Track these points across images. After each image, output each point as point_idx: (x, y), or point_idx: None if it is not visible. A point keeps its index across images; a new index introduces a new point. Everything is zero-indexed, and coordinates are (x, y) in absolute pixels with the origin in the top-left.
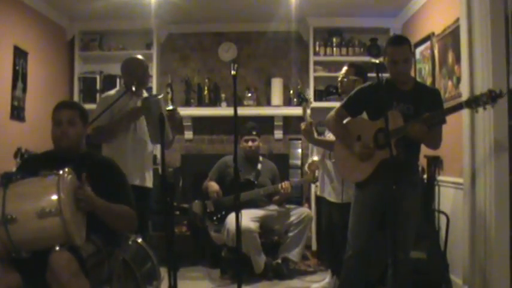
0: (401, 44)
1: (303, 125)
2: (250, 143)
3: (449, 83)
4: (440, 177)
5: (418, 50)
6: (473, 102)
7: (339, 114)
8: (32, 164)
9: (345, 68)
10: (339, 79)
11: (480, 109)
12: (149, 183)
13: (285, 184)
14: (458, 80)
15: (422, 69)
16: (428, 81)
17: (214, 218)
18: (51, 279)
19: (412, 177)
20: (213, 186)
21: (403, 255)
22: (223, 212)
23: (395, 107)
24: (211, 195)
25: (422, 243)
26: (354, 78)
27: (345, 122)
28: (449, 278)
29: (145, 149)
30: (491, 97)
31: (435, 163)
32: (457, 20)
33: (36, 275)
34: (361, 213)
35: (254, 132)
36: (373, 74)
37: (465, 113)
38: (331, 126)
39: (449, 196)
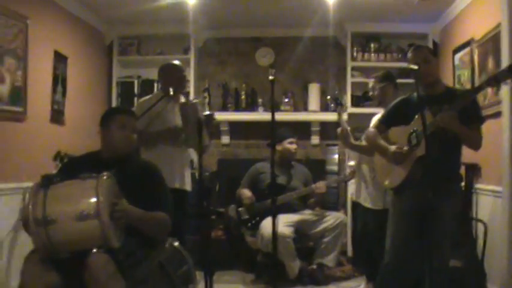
0: (418, 47)
1: (339, 130)
2: (294, 146)
3: (489, 89)
4: (478, 185)
5: (457, 56)
6: (494, 80)
7: (377, 129)
8: (73, 167)
9: (371, 82)
10: (370, 93)
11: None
12: (188, 186)
13: (319, 184)
14: (499, 86)
15: (461, 76)
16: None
17: (249, 224)
18: (89, 280)
19: (452, 185)
20: (246, 193)
21: (440, 263)
22: (258, 218)
23: (427, 109)
24: (245, 201)
25: (459, 251)
26: (381, 85)
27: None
28: (487, 287)
29: (184, 152)
30: (510, 71)
31: (473, 171)
32: (498, 25)
33: (75, 275)
34: (398, 220)
35: (296, 136)
36: (410, 80)
37: (504, 118)
38: (369, 140)
39: (487, 204)
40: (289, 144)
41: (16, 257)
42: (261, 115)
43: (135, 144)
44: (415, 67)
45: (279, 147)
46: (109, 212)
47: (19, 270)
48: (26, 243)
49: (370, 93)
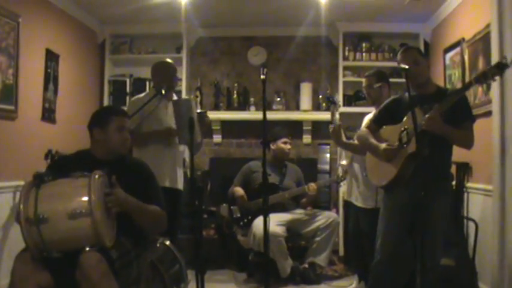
0: (407, 49)
1: (331, 127)
2: (289, 146)
3: (480, 89)
4: (469, 184)
5: (448, 56)
6: (482, 77)
7: (369, 128)
8: (64, 165)
9: (365, 80)
10: (365, 91)
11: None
12: (180, 184)
13: (312, 186)
14: (489, 86)
15: (452, 75)
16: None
17: (241, 223)
18: (81, 279)
19: (443, 183)
20: (239, 191)
21: (432, 262)
22: (250, 217)
23: (418, 108)
24: (237, 200)
25: (450, 250)
26: (379, 84)
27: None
28: (478, 285)
29: (176, 151)
30: (498, 67)
31: (464, 170)
32: (488, 25)
33: (66, 274)
34: (389, 219)
35: (290, 136)
36: (401, 80)
37: (495, 118)
38: (361, 140)
39: (478, 203)
40: (283, 144)
41: (6, 255)
42: (253, 114)
43: (129, 144)
44: (406, 66)
45: (273, 146)
46: (102, 207)
47: (9, 269)
48: (16, 242)
49: (365, 91)
